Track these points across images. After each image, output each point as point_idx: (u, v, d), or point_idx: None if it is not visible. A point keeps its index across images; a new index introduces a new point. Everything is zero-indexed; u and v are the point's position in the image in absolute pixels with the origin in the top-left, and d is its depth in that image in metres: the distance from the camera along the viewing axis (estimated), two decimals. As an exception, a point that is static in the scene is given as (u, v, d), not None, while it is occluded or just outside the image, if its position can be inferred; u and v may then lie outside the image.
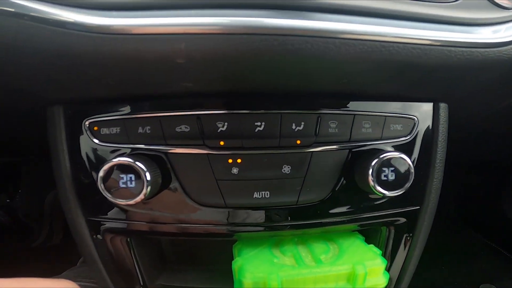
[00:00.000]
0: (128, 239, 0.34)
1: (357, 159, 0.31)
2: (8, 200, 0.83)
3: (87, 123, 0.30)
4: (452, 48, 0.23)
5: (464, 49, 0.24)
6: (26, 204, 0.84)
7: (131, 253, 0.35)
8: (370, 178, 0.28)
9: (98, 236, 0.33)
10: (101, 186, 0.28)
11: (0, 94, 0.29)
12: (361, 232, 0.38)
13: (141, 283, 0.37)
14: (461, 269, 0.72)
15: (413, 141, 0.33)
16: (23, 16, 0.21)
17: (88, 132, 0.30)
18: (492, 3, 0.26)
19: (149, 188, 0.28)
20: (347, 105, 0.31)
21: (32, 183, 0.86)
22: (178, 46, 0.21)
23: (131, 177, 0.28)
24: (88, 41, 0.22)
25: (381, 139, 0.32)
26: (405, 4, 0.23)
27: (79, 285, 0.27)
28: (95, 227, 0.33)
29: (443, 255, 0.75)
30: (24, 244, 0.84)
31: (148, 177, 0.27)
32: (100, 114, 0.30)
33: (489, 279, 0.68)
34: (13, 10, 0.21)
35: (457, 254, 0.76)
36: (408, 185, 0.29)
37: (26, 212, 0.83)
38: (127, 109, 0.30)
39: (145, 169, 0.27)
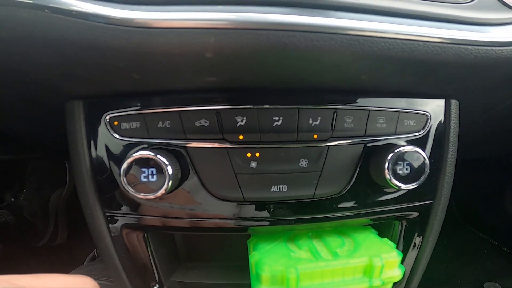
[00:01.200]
0: (145, 235, 0.34)
1: (373, 153, 0.32)
2: (13, 199, 0.82)
3: (107, 117, 0.31)
4: (468, 46, 0.24)
5: (479, 47, 0.25)
6: (31, 203, 0.83)
7: (147, 249, 0.35)
8: (386, 171, 0.29)
9: (116, 231, 0.33)
10: (123, 180, 0.28)
11: (22, 87, 0.30)
12: (374, 226, 0.38)
13: (157, 280, 0.37)
14: (465, 268, 0.73)
15: (426, 136, 0.34)
16: (43, 8, 0.21)
17: (108, 126, 0.31)
18: (504, 4, 0.27)
19: (170, 182, 0.28)
20: (362, 101, 0.32)
21: (37, 182, 0.86)
22: (207, 41, 0.22)
23: (152, 171, 0.28)
24: (120, 35, 0.22)
25: (395, 134, 0.32)
26: (424, 5, 0.24)
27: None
28: (113, 222, 0.33)
29: (447, 254, 0.76)
30: (29, 243, 0.83)
31: (170, 171, 0.28)
32: (120, 108, 0.30)
33: (493, 278, 0.69)
34: (31, 2, 0.21)
35: (461, 253, 0.77)
36: (423, 178, 0.30)
37: (31, 211, 0.82)
38: (147, 104, 0.30)
39: (167, 163, 0.28)
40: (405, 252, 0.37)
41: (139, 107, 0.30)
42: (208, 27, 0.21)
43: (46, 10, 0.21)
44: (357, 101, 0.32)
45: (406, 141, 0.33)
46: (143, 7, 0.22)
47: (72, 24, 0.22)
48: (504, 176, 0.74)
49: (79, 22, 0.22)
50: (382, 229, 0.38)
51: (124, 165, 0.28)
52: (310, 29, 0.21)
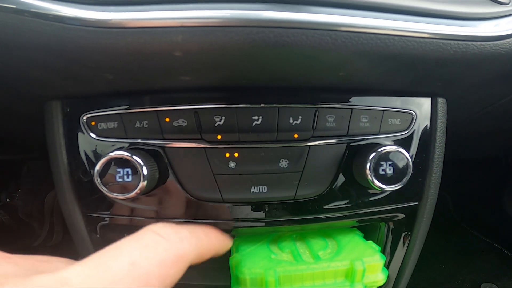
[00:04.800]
0: (126, 235, 0.34)
1: (355, 154, 0.31)
2: (8, 199, 0.83)
3: (84, 118, 0.30)
4: (448, 41, 0.23)
5: (459, 42, 0.24)
6: (26, 203, 0.84)
7: (128, 249, 0.35)
8: (368, 172, 0.28)
9: (96, 232, 0.33)
10: (97, 180, 0.28)
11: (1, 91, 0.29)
12: (360, 228, 0.37)
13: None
14: (462, 268, 0.72)
15: (411, 136, 0.33)
16: (23, 13, 0.21)
17: (85, 127, 0.30)
18: (491, -2, 0.26)
19: (145, 183, 0.28)
20: (345, 100, 0.31)
21: (33, 182, 0.87)
22: (175, 39, 0.21)
23: (127, 171, 0.28)
24: (87, 35, 0.22)
25: (379, 134, 0.31)
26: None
27: None
28: (92, 223, 0.33)
29: (444, 254, 0.75)
30: (25, 243, 0.84)
31: (145, 171, 0.27)
32: (97, 109, 0.30)
33: (490, 278, 0.68)
34: (14, 6, 0.21)
35: (458, 253, 0.76)
36: (406, 179, 0.29)
37: (26, 211, 0.83)
38: (124, 104, 0.30)
39: (142, 163, 0.27)
40: (391, 255, 0.36)
41: (117, 107, 0.30)
42: (174, 26, 0.21)
43: (26, 14, 0.21)
44: (339, 99, 0.31)
45: (390, 141, 0.32)
46: (112, 7, 0.22)
47: (49, 28, 0.21)
48: (502, 176, 0.73)
49: (56, 25, 0.21)
50: (368, 231, 0.37)
51: (98, 165, 0.27)
52: (279, 24, 0.20)
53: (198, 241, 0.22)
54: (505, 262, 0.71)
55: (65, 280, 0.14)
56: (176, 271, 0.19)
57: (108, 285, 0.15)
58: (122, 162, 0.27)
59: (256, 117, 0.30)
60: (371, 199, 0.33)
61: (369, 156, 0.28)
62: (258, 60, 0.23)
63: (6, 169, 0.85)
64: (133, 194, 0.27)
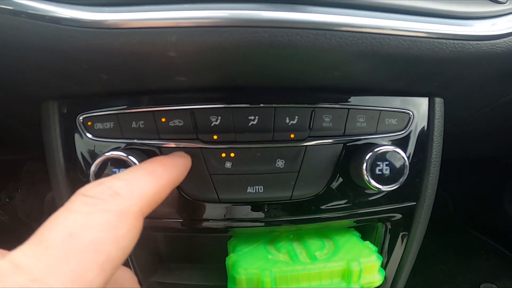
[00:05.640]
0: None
1: (352, 154, 0.31)
2: (7, 199, 0.83)
3: (80, 118, 0.30)
4: (443, 40, 0.23)
5: (455, 41, 0.24)
6: (26, 203, 0.84)
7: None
8: (365, 172, 0.28)
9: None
10: (92, 180, 0.28)
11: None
12: (357, 228, 0.37)
13: (135, 280, 0.37)
14: (461, 269, 0.71)
15: (408, 135, 0.32)
16: (20, 14, 0.21)
17: (81, 127, 0.30)
18: (489, -3, 0.26)
19: (142, 183, 0.28)
20: (341, 99, 0.31)
21: (32, 182, 0.87)
22: (169, 39, 0.21)
23: (123, 172, 0.28)
24: (82, 36, 0.22)
25: (375, 134, 0.31)
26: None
27: None
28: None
29: (443, 254, 0.75)
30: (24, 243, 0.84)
31: (141, 172, 0.27)
32: (94, 109, 0.30)
33: (490, 279, 0.67)
34: (11, 8, 0.21)
35: (457, 253, 0.75)
36: (403, 179, 0.29)
37: (25, 212, 0.83)
38: (120, 104, 0.30)
39: (137, 163, 0.27)
40: (389, 255, 0.36)
41: (113, 107, 0.30)
42: (168, 26, 0.21)
43: (23, 16, 0.21)
44: (336, 99, 0.31)
45: (387, 141, 0.32)
46: (107, 8, 0.22)
47: (45, 29, 0.21)
48: (502, 176, 0.72)
49: (52, 26, 0.21)
50: (366, 232, 0.37)
51: (93, 166, 0.27)
52: (274, 24, 0.20)
53: (141, 186, 0.18)
54: (505, 262, 0.71)
55: (16, 261, 0.14)
56: (128, 229, 0.16)
57: (57, 259, 0.14)
58: (117, 162, 0.27)
59: (252, 117, 0.29)
60: (368, 199, 0.33)
61: (365, 156, 0.28)
62: (253, 60, 0.23)
63: (6, 169, 0.86)
64: (129, 194, 0.27)
